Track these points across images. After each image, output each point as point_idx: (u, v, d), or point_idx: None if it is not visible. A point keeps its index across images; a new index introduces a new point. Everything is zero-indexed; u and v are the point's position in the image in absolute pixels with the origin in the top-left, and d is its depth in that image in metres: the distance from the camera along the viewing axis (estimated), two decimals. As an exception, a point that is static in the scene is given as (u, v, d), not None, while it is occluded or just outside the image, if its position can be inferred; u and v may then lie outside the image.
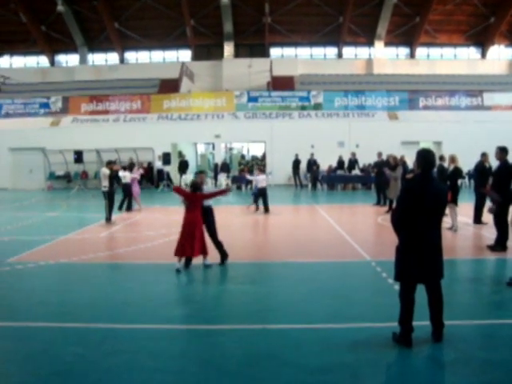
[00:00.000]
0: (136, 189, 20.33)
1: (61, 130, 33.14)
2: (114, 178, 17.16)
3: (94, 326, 6.96)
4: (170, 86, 37.04)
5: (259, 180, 19.12)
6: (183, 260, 10.14)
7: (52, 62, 46.62)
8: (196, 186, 10.28)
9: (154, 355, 5.99)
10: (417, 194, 5.95)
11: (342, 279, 9.44)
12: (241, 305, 8.04)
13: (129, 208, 19.82)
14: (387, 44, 43.70)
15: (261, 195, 19.01)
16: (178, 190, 10.84)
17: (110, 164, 17.14)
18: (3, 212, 20.54)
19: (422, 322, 6.22)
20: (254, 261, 11.00)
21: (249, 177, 23.37)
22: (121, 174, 19.27)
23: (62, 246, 13.24)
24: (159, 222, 17.45)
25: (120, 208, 19.46)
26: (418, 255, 5.95)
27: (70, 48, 45.32)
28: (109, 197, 16.61)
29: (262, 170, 21.95)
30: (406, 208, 5.98)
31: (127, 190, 19.71)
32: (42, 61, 46.89)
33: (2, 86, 41.35)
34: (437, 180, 6.43)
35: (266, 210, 18.87)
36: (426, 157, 6.14)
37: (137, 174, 21.21)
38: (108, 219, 16.59)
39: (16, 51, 46.57)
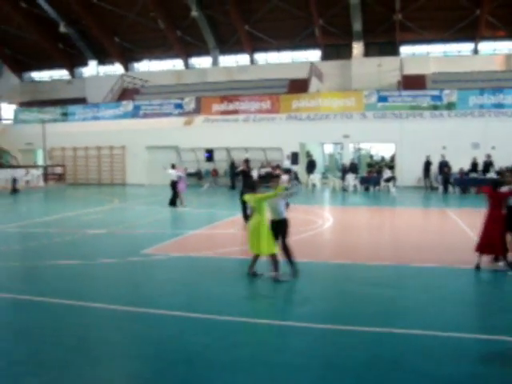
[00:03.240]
0: (181, 186, 21.13)
1: (193, 129, 34.49)
2: (246, 177, 16.89)
3: (221, 319, 7.20)
4: (298, 86, 37.27)
5: (282, 181, 19.44)
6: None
7: (186, 65, 48.68)
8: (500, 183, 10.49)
9: (278, 350, 6.07)
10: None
11: (474, 287, 8.98)
12: (366, 307, 7.91)
13: (172, 204, 20.70)
14: (531, 36, 40.64)
15: None
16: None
17: (245, 163, 17.19)
18: (139, 206, 21.77)
19: None
20: (379, 263, 10.76)
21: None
22: (167, 171, 21.34)
23: (192, 240, 13.80)
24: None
25: (170, 204, 20.72)
26: None
27: (202, 51, 47.04)
28: (241, 196, 16.48)
29: (287, 172, 21.76)
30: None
31: (173, 187, 20.77)
32: (177, 64, 49.10)
33: (140, 89, 43.84)
34: None
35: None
36: None
37: (181, 172, 21.65)
38: (245, 219, 16.34)
39: (154, 56, 49.19)
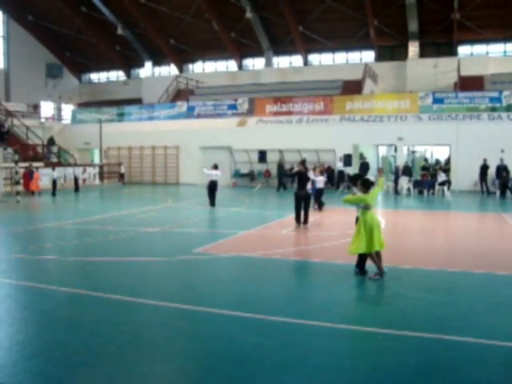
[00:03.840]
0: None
1: (246, 130, 34.69)
2: (302, 178, 16.04)
3: (271, 319, 7.23)
4: (352, 88, 36.95)
5: (318, 181, 19.86)
6: None
7: (240, 66, 49.01)
8: None
9: (327, 353, 6.05)
10: None
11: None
12: (419, 311, 7.79)
13: (212, 204, 21.35)
14: None
15: (318, 195, 20.03)
16: None
17: (301, 164, 16.40)
18: (191, 206, 22.04)
19: None
20: (433, 268, 10.55)
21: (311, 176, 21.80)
22: (207, 171, 21.95)
23: (244, 240, 13.90)
24: (340, 222, 17.52)
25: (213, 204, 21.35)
26: None
27: (256, 52, 47.29)
28: (295, 198, 15.85)
29: (322, 172, 21.76)
30: None
31: (214, 186, 21.47)
32: (231, 65, 49.51)
33: (195, 90, 44.39)
34: None
35: (319, 207, 20.28)
36: None
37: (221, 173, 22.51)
38: (297, 220, 15.75)
39: (208, 57, 49.78)
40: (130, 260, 11.21)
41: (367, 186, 9.69)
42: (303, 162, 16.68)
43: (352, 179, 10.46)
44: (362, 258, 9.62)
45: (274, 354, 6.03)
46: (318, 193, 20.05)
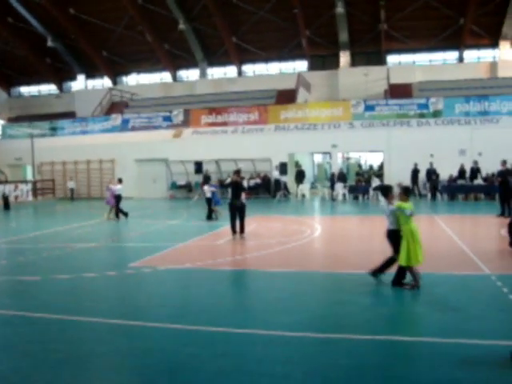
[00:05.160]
0: (111, 200, 22.21)
1: (182, 141, 34.62)
2: (237, 188, 15.83)
3: (207, 329, 7.25)
4: (286, 97, 37.49)
5: (206, 190, 20.60)
6: None
7: (174, 78, 48.90)
8: None
9: (261, 360, 6.13)
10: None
11: (458, 292, 9.06)
12: (349, 314, 7.98)
13: (117, 216, 22.06)
14: (515, 44, 40.96)
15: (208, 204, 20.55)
16: None
17: (236, 174, 16.31)
18: (129, 219, 21.75)
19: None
20: (361, 272, 10.74)
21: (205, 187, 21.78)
22: (115, 187, 22.00)
23: (180, 253, 13.84)
24: (276, 230, 17.69)
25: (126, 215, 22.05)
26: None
27: (190, 63, 47.32)
28: (230, 208, 15.78)
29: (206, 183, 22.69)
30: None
31: (119, 200, 22.13)
32: (165, 77, 49.32)
33: (129, 102, 43.94)
34: None
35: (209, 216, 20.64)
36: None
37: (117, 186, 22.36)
38: (233, 230, 15.69)
39: (142, 69, 49.40)
40: (63, 277, 10.96)
41: (408, 193, 10.05)
42: (238, 172, 16.66)
43: (384, 190, 10.36)
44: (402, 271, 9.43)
45: (210, 363, 6.06)
46: (207, 202, 20.63)
